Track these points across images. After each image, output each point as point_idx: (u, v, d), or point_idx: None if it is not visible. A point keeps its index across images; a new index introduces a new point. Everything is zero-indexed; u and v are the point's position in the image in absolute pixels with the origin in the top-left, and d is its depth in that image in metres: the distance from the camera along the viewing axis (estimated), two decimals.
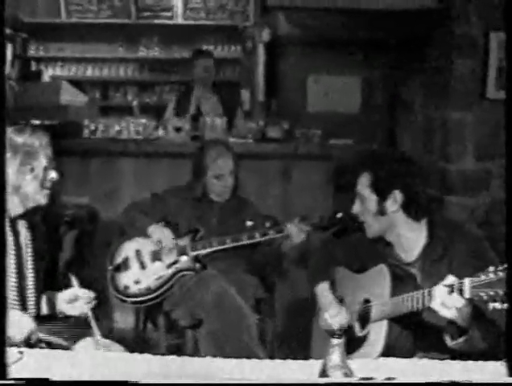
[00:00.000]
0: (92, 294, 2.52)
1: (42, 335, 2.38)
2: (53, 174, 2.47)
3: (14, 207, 2.42)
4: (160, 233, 3.45)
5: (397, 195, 2.39)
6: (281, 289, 3.79)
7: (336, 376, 1.53)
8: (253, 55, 6.76)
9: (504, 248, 1.81)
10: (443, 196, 5.00)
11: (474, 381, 1.65)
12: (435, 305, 2.09)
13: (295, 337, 3.34)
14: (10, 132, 2.39)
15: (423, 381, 1.63)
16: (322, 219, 3.37)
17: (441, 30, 5.19)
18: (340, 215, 3.08)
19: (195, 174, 3.64)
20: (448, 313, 2.07)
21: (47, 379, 1.61)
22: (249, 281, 3.43)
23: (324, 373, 1.55)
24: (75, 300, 2.50)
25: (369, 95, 6.89)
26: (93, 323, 2.47)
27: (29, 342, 2.29)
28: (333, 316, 2.57)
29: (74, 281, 2.55)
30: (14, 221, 2.44)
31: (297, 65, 6.76)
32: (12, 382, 1.57)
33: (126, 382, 1.61)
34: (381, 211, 2.44)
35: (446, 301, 2.06)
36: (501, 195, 5.15)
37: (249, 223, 3.59)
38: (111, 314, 4.19)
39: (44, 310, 2.50)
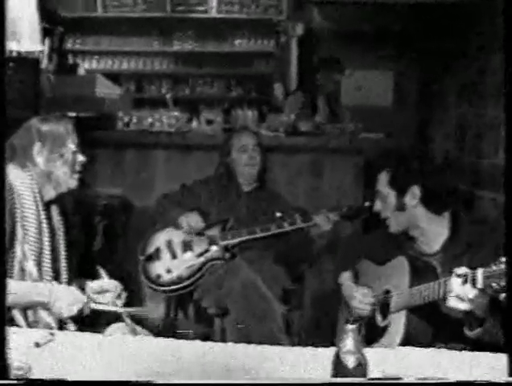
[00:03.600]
0: (120, 287, 2.57)
1: (93, 305, 2.45)
2: (81, 158, 2.52)
3: (47, 192, 2.48)
4: (189, 218, 3.53)
5: (415, 190, 2.46)
6: (309, 279, 3.82)
7: (350, 362, 1.56)
8: (286, 49, 6.79)
9: None
10: (475, 191, 4.98)
11: (473, 381, 1.65)
12: (451, 300, 2.13)
13: (322, 328, 3.38)
14: (35, 122, 2.47)
15: (426, 380, 1.64)
16: (350, 209, 3.43)
17: (477, 24, 5.15)
18: (367, 203, 3.11)
19: (221, 156, 3.77)
20: (462, 305, 2.11)
21: (47, 380, 1.63)
22: (277, 272, 3.48)
23: (337, 359, 1.58)
24: (104, 291, 2.56)
25: (401, 89, 6.88)
26: (127, 317, 2.49)
27: (80, 316, 2.36)
28: (361, 302, 2.63)
29: (102, 272, 2.60)
30: (47, 206, 2.50)
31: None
32: (12, 382, 1.58)
33: (126, 382, 1.63)
34: (401, 207, 2.50)
35: (460, 292, 2.09)
36: None
37: (278, 215, 3.64)
38: (142, 304, 4.26)
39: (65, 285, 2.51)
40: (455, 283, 2.11)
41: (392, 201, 2.52)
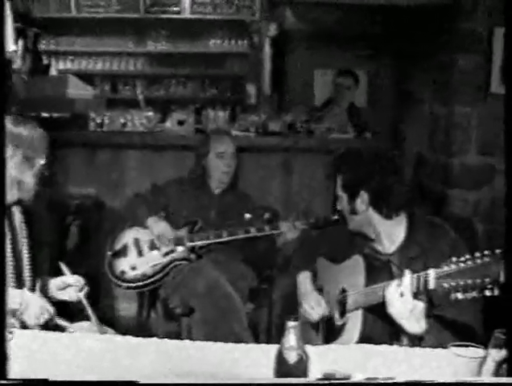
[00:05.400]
0: (82, 281, 2.60)
1: (59, 321, 2.50)
2: (42, 161, 2.52)
3: (11, 196, 2.47)
4: (159, 228, 3.56)
5: (363, 196, 2.45)
6: (277, 279, 3.85)
7: (291, 357, 1.59)
8: (259, 50, 6.81)
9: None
10: (447, 191, 5.03)
11: (474, 381, 1.68)
12: (390, 288, 2.18)
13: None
14: (8, 123, 2.45)
15: (421, 380, 1.67)
16: (318, 220, 3.46)
17: (447, 25, 5.20)
18: (336, 217, 3.13)
19: (197, 157, 3.79)
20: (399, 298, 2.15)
21: (46, 380, 1.64)
22: (242, 272, 3.53)
23: (280, 355, 1.62)
24: (66, 287, 2.59)
25: (375, 89, 6.92)
26: (88, 309, 2.54)
27: (46, 326, 2.40)
28: (312, 307, 2.67)
29: (64, 268, 2.63)
30: (9, 208, 2.50)
31: (304, 59, 6.80)
32: (12, 382, 1.60)
33: (127, 382, 1.65)
34: (353, 211, 2.50)
35: (404, 290, 2.14)
36: (503, 191, 5.20)
37: (247, 216, 3.68)
38: (113, 302, 4.28)
39: (37, 294, 2.56)
40: (406, 279, 2.15)
41: (345, 204, 2.53)
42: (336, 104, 5.69)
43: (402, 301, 2.14)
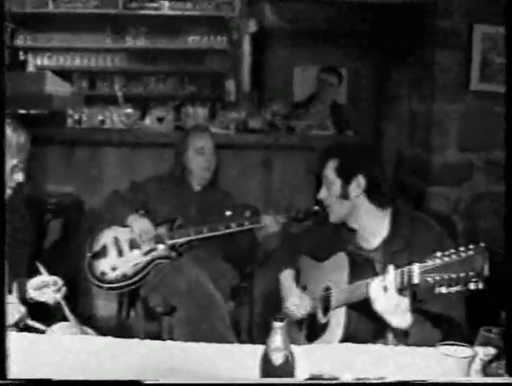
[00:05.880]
0: (60, 281, 2.56)
1: (29, 321, 2.45)
2: (14, 161, 2.44)
3: None
4: (141, 225, 3.52)
5: (360, 180, 2.46)
6: (259, 277, 3.84)
7: (277, 358, 1.57)
8: (239, 46, 6.79)
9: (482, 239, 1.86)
10: (427, 187, 5.05)
11: (473, 381, 1.67)
12: (373, 284, 2.16)
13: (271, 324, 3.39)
14: None
15: (419, 380, 1.66)
16: (298, 212, 3.44)
17: (426, 22, 5.22)
18: (316, 208, 3.12)
19: (177, 154, 3.76)
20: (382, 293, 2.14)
21: (47, 379, 1.63)
22: (224, 269, 3.51)
23: (265, 356, 1.59)
24: (44, 287, 2.55)
25: (355, 86, 6.93)
26: (66, 309, 2.51)
27: (17, 326, 2.36)
28: (295, 305, 2.65)
29: (42, 269, 2.59)
30: None
31: (283, 56, 6.79)
32: (12, 382, 1.59)
33: (129, 381, 1.64)
34: (345, 195, 2.49)
35: (388, 285, 2.13)
36: (483, 187, 5.24)
37: (227, 214, 3.65)
38: (93, 301, 4.24)
39: (15, 295, 2.53)
40: (390, 275, 2.14)
41: (337, 188, 2.50)
42: (319, 101, 5.69)
43: (387, 297, 2.13)
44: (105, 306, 4.18)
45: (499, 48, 4.98)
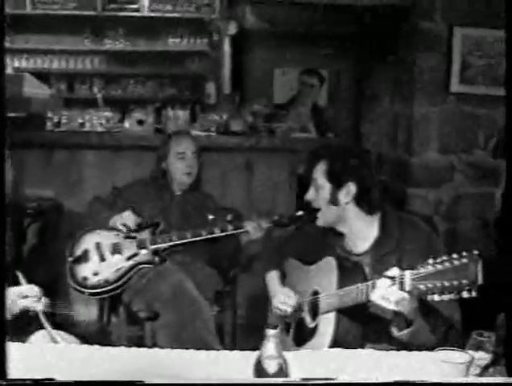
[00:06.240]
0: (39, 291, 2.51)
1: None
2: None
3: None
4: (124, 218, 3.48)
5: (350, 187, 2.42)
6: (242, 281, 3.82)
7: (271, 367, 1.55)
8: (219, 48, 6.76)
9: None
10: (406, 189, 5.06)
11: (473, 381, 1.66)
12: (375, 297, 2.11)
13: (254, 328, 3.37)
14: None
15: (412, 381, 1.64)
16: (282, 217, 3.41)
17: (406, 25, 5.23)
18: (300, 213, 3.10)
19: (158, 158, 3.73)
20: (388, 305, 2.09)
21: (47, 380, 1.61)
22: (208, 274, 3.47)
23: (259, 364, 1.57)
24: (22, 297, 2.50)
25: (335, 88, 6.94)
26: (44, 320, 2.45)
27: None
28: (281, 302, 2.62)
29: (21, 278, 2.54)
30: None
31: (263, 58, 6.79)
32: (12, 382, 1.57)
33: (127, 382, 1.62)
34: (334, 201, 2.45)
35: (385, 293, 2.08)
36: (463, 189, 5.25)
37: (210, 218, 3.62)
38: (72, 307, 4.19)
39: None
40: (381, 283, 2.10)
41: (326, 193, 2.47)
42: (300, 103, 5.68)
43: (391, 301, 2.09)
44: (85, 312, 4.14)
45: (479, 51, 5.01)
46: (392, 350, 2.12)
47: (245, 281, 3.89)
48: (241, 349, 2.10)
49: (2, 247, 1.60)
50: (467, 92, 5.06)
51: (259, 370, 1.56)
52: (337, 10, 6.02)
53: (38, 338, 2.39)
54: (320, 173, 2.48)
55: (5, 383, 1.56)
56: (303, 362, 1.94)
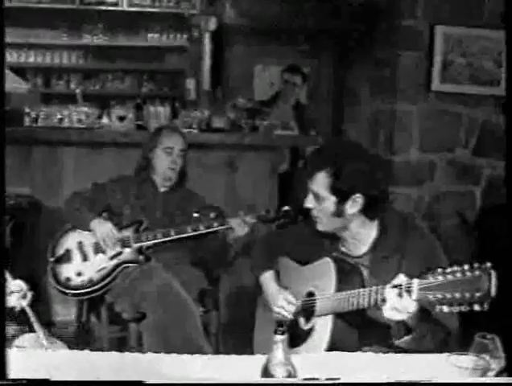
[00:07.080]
0: (25, 287, 2.44)
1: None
2: None
3: None
4: (103, 229, 3.40)
5: (358, 199, 2.25)
6: (226, 280, 3.78)
7: (279, 374, 1.50)
8: (199, 44, 6.72)
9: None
10: (388, 187, 5.05)
11: (473, 381, 1.63)
12: (386, 310, 2.02)
13: (238, 329, 3.33)
14: None
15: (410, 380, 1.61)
16: (268, 212, 3.36)
17: (387, 22, 5.23)
18: (286, 208, 3.05)
19: (144, 150, 3.67)
20: (399, 316, 2.01)
21: (47, 380, 1.61)
22: (193, 273, 3.42)
23: (266, 370, 1.52)
24: (8, 293, 2.43)
25: (315, 85, 6.91)
26: (33, 318, 2.39)
27: None
28: (282, 307, 2.54)
29: (7, 274, 2.47)
30: None
31: (243, 54, 6.74)
32: (12, 382, 1.57)
33: (133, 382, 1.61)
34: (339, 213, 2.30)
35: (397, 305, 1.99)
36: (445, 187, 5.27)
37: (195, 215, 3.57)
38: (51, 306, 4.13)
39: None
40: (390, 293, 2.01)
41: (330, 206, 2.29)
42: (282, 101, 5.65)
43: (402, 311, 2.01)
44: (64, 311, 4.08)
45: (460, 49, 5.02)
46: (390, 353, 2.08)
47: (228, 281, 3.86)
48: (226, 349, 2.06)
49: (2, 247, 1.56)
50: (448, 90, 5.07)
51: (268, 376, 1.51)
52: (319, 6, 6.02)
53: (25, 340, 2.32)
54: (320, 185, 2.29)
55: (5, 383, 1.55)
56: (301, 364, 1.90)
